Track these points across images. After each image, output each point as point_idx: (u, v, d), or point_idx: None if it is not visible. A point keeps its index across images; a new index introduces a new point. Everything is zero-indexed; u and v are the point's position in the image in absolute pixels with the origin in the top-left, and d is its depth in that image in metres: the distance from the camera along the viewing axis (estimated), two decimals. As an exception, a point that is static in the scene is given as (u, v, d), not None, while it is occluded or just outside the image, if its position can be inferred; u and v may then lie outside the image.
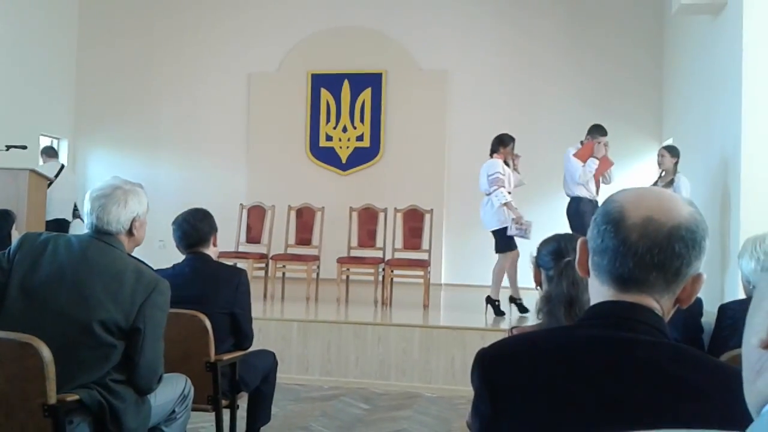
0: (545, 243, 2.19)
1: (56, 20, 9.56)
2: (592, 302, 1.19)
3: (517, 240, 6.08)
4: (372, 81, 9.25)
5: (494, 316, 6.12)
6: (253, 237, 7.51)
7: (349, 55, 9.24)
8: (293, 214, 7.59)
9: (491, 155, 6.25)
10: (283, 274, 7.18)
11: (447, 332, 5.46)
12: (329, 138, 9.33)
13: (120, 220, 2.41)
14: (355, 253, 7.19)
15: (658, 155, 6.38)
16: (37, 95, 9.06)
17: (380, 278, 6.81)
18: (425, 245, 7.13)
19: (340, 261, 6.86)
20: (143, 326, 2.31)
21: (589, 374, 1.08)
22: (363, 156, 9.25)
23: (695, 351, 1.15)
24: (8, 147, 7.04)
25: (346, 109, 9.31)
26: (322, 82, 9.34)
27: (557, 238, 2.16)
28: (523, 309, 6.11)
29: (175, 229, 3.32)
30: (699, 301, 2.99)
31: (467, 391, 1.37)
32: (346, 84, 9.29)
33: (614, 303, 1.14)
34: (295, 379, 5.32)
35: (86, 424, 2.27)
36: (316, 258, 7.10)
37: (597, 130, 6.41)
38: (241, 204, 7.74)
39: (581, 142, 6.52)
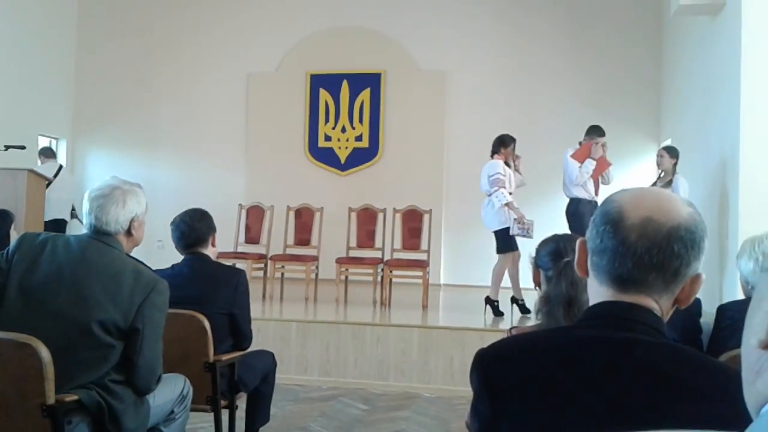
0: (544, 243, 2.19)
1: (55, 20, 9.55)
2: (591, 302, 1.19)
3: (519, 240, 6.08)
4: (371, 81, 9.25)
5: (493, 316, 6.12)
6: (251, 237, 7.51)
7: (348, 55, 9.24)
8: (292, 214, 7.59)
9: (492, 156, 6.25)
10: (282, 274, 7.18)
11: (446, 333, 5.46)
12: (328, 138, 9.33)
13: (119, 221, 2.41)
14: (354, 253, 7.19)
15: (657, 156, 6.39)
16: (35, 95, 9.06)
17: (379, 279, 6.81)
18: (424, 245, 7.13)
19: (339, 261, 6.86)
20: (142, 326, 2.31)
21: (588, 375, 1.08)
22: (362, 156, 9.25)
23: (694, 351, 1.15)
24: (7, 147, 7.03)
25: (345, 109, 9.31)
26: (321, 82, 9.34)
27: (556, 239, 2.16)
28: (524, 309, 6.12)
29: (174, 230, 3.32)
30: (698, 302, 3.00)
31: (466, 391, 1.37)
32: (345, 84, 9.29)
33: (613, 303, 1.15)
34: (294, 379, 5.32)
35: (85, 424, 2.26)
36: (315, 258, 7.10)
37: (595, 131, 6.42)
38: (239, 204, 7.74)
39: (580, 143, 6.53)
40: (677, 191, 5.69)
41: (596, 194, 6.35)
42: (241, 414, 3.45)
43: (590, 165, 6.30)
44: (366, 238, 7.32)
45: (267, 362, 3.58)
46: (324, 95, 9.34)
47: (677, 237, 1.10)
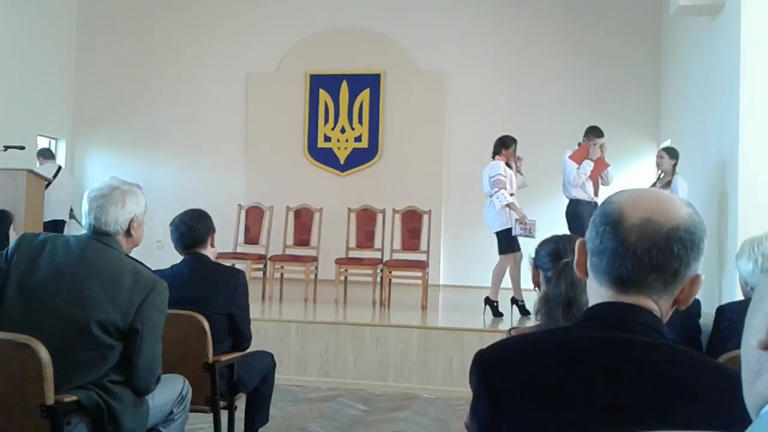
0: (543, 244, 2.19)
1: (54, 20, 9.55)
2: (591, 303, 1.19)
3: (521, 240, 6.08)
4: (370, 82, 9.25)
5: (492, 317, 6.12)
6: (251, 238, 7.51)
7: (347, 55, 9.24)
8: (291, 214, 7.59)
9: (493, 157, 6.26)
10: (282, 275, 7.17)
11: (445, 333, 5.46)
12: (327, 139, 9.33)
13: (118, 221, 2.41)
14: (353, 254, 7.19)
15: (657, 156, 6.40)
16: (35, 95, 9.05)
17: (378, 279, 6.81)
18: (424, 246, 7.13)
19: (339, 262, 6.86)
20: (141, 327, 2.31)
21: (588, 375, 1.08)
22: (361, 157, 9.25)
23: (693, 352, 1.15)
24: (6, 147, 7.03)
25: (345, 109, 9.31)
26: (321, 82, 9.34)
27: (555, 240, 2.16)
28: (524, 311, 6.12)
29: (173, 230, 3.32)
30: (697, 303, 3.00)
31: (465, 392, 1.36)
32: (344, 85, 9.29)
33: (612, 304, 1.14)
34: (294, 380, 5.32)
35: (84, 425, 2.26)
36: (315, 259, 7.10)
37: (592, 132, 6.43)
38: (239, 205, 7.74)
39: (579, 144, 6.54)
40: (676, 192, 5.70)
41: (596, 195, 6.36)
42: (240, 415, 3.45)
43: (588, 166, 6.31)
44: (365, 238, 7.32)
45: (266, 363, 3.58)
46: (323, 95, 9.35)
47: (677, 238, 1.10)
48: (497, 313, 6.13)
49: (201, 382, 2.98)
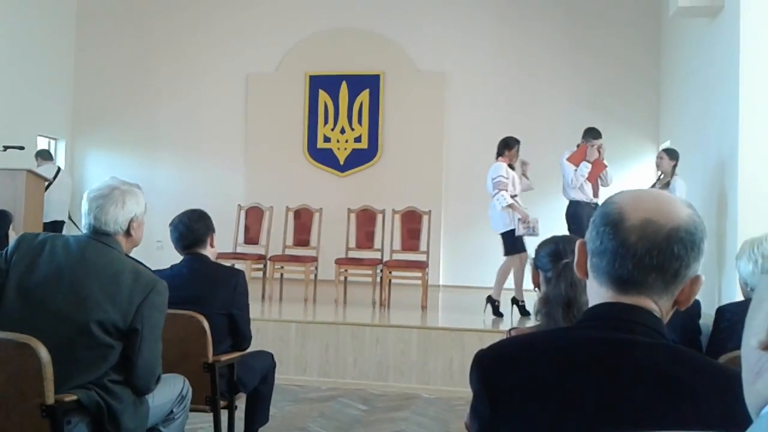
0: (543, 245, 2.19)
1: (54, 21, 9.55)
2: (591, 304, 1.19)
3: (527, 240, 6.08)
4: (370, 82, 9.25)
5: (493, 316, 6.12)
6: (251, 238, 7.51)
7: (347, 56, 9.24)
8: (291, 215, 7.59)
9: (497, 158, 6.27)
10: (281, 275, 7.18)
11: (445, 333, 5.46)
12: (327, 139, 9.33)
13: (118, 221, 2.41)
14: (353, 254, 7.19)
15: (657, 157, 6.42)
16: (34, 96, 9.05)
17: (378, 279, 6.81)
18: (423, 246, 7.13)
19: (338, 262, 6.86)
20: (141, 327, 2.31)
21: (588, 376, 1.08)
22: (361, 157, 9.25)
23: (693, 353, 1.15)
24: (6, 147, 7.04)
25: (344, 110, 9.31)
26: (320, 83, 9.34)
27: (555, 240, 2.17)
28: (524, 311, 6.12)
29: (172, 231, 3.32)
30: (697, 303, 3.00)
31: (465, 392, 1.37)
32: (344, 85, 9.29)
33: (613, 305, 1.15)
34: (293, 380, 5.32)
35: (84, 424, 2.26)
36: (314, 259, 7.10)
37: (590, 134, 6.44)
38: (239, 205, 7.74)
39: (578, 145, 6.55)
40: (674, 192, 5.70)
41: (596, 196, 6.37)
42: (240, 414, 3.45)
43: (585, 168, 6.32)
44: (365, 239, 7.32)
45: (266, 363, 3.58)
46: (323, 96, 9.35)
47: (677, 238, 1.10)
48: (497, 313, 6.14)
49: (201, 381, 2.99)
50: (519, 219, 6.02)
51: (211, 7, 9.62)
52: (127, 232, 2.46)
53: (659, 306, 1.14)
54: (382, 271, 6.77)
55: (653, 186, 6.19)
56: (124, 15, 9.83)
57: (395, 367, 5.40)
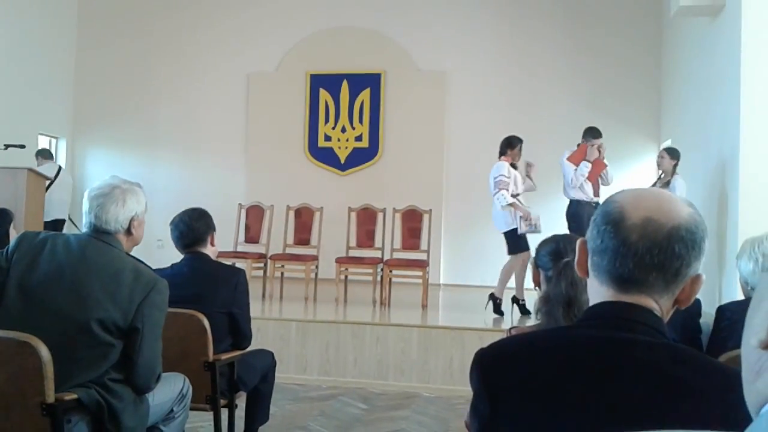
0: (544, 244, 2.19)
1: (55, 20, 9.55)
2: (591, 303, 1.19)
3: (530, 238, 6.07)
4: (371, 81, 9.25)
5: (494, 314, 6.13)
6: (251, 237, 7.51)
7: (347, 55, 9.24)
8: (292, 214, 7.59)
9: (499, 157, 6.27)
10: (282, 273, 7.18)
11: (445, 332, 5.46)
12: (328, 138, 9.33)
13: (118, 220, 2.41)
14: (353, 253, 7.19)
15: (658, 156, 6.42)
16: (35, 94, 9.06)
17: (379, 278, 6.81)
18: (424, 245, 7.13)
19: (339, 261, 6.86)
20: (141, 325, 2.31)
21: (588, 375, 1.08)
22: (362, 156, 9.25)
23: (694, 352, 1.15)
24: (6, 146, 7.04)
25: (345, 109, 9.31)
26: (321, 82, 9.34)
27: (556, 239, 2.17)
28: (524, 310, 6.12)
29: (172, 229, 3.32)
30: (697, 302, 3.00)
31: (465, 391, 1.37)
32: (344, 84, 9.29)
33: (613, 303, 1.14)
34: (294, 378, 5.32)
35: (84, 423, 2.26)
36: (315, 258, 7.10)
37: (590, 133, 6.44)
38: (239, 204, 7.74)
39: (578, 145, 6.55)
40: (674, 191, 5.70)
41: (597, 195, 6.37)
42: (240, 413, 3.45)
43: (585, 168, 6.32)
44: (366, 237, 7.32)
45: (266, 361, 3.58)
46: (324, 95, 9.35)
47: (678, 237, 1.10)
48: (498, 311, 6.14)
49: (201, 380, 2.99)
50: (521, 217, 6.03)
51: (212, 7, 9.62)
52: (128, 231, 2.46)
53: (660, 305, 1.14)
54: (382, 270, 6.77)
55: (654, 185, 6.19)
56: (125, 14, 9.83)
57: (395, 366, 5.40)
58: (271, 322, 5.58)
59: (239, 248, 7.30)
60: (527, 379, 1.11)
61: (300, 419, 4.42)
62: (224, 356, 3.14)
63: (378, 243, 7.26)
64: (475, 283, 8.22)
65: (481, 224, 8.32)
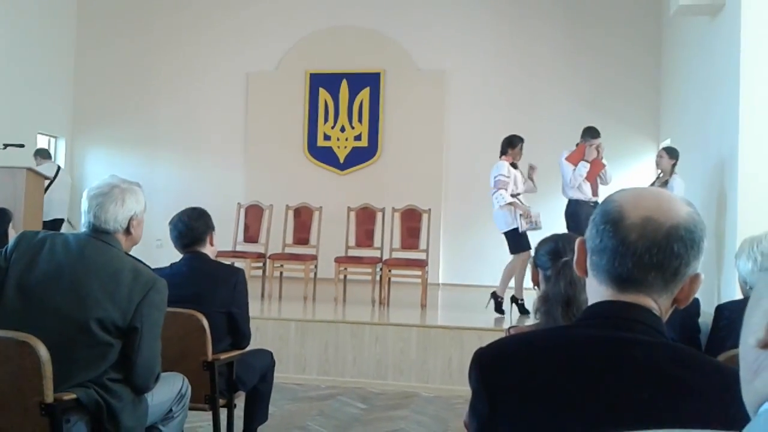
0: (543, 243, 2.19)
1: (55, 19, 9.54)
2: (590, 302, 1.19)
3: (531, 237, 6.07)
4: (370, 81, 9.25)
5: (495, 312, 6.13)
6: (250, 236, 7.51)
7: (347, 54, 9.24)
8: (291, 213, 7.59)
9: (500, 156, 6.27)
10: (281, 273, 7.17)
11: (444, 332, 5.46)
12: (327, 137, 9.33)
13: (117, 219, 2.41)
14: (352, 252, 7.19)
15: (657, 156, 6.43)
16: (35, 94, 9.05)
17: (378, 278, 6.81)
18: (423, 245, 7.13)
19: (338, 260, 6.86)
20: (140, 325, 2.31)
21: (587, 374, 1.08)
22: (361, 156, 9.25)
23: (693, 351, 1.15)
24: (5, 145, 7.04)
25: (345, 108, 9.31)
26: (321, 81, 9.34)
27: (555, 238, 2.16)
28: (523, 310, 6.13)
29: (171, 229, 3.32)
30: (696, 302, 3.00)
31: (464, 390, 1.37)
32: (344, 84, 9.29)
33: (612, 303, 1.14)
34: (293, 378, 5.32)
35: (83, 422, 2.26)
36: (314, 257, 7.10)
37: (588, 133, 6.44)
38: (238, 203, 7.74)
39: (577, 145, 6.55)
40: (672, 191, 5.68)
41: (596, 195, 6.37)
42: (239, 413, 3.45)
43: (584, 168, 6.32)
44: (365, 237, 7.32)
45: (265, 361, 3.58)
46: (323, 94, 9.34)
47: (677, 236, 1.10)
48: (499, 310, 6.14)
49: (200, 380, 2.99)
50: (521, 215, 6.03)
51: (212, 6, 9.62)
52: (127, 231, 2.45)
53: (659, 304, 1.14)
54: (381, 269, 6.77)
55: (652, 184, 6.19)
56: (125, 13, 9.83)
57: (394, 366, 5.40)
58: (270, 322, 5.58)
59: (238, 248, 7.29)
60: (526, 378, 1.11)
61: (299, 419, 4.42)
62: (223, 356, 3.14)
63: (377, 242, 7.26)
64: (474, 283, 8.22)
65: (480, 224, 8.32)
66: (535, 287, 2.20)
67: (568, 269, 1.96)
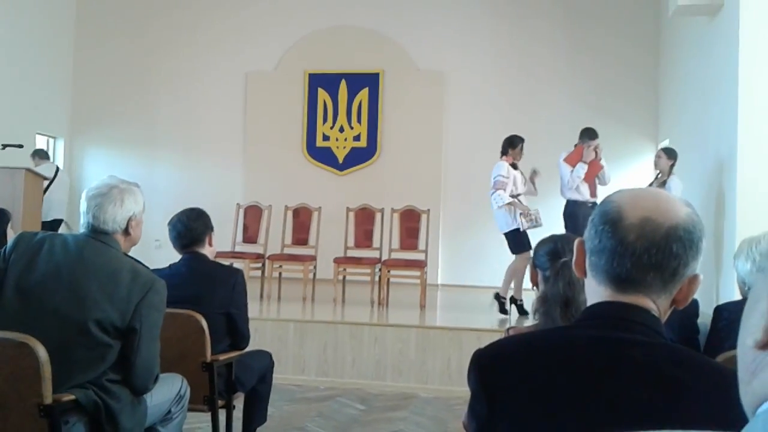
0: (542, 244, 2.19)
1: (53, 19, 9.54)
2: (589, 303, 1.19)
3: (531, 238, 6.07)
4: (369, 81, 9.25)
5: (499, 313, 6.13)
6: (249, 237, 7.50)
7: (346, 54, 9.24)
8: (290, 213, 7.58)
9: (501, 157, 6.27)
10: (280, 274, 7.17)
11: (443, 333, 5.46)
12: (326, 138, 9.33)
13: (116, 220, 2.41)
14: (351, 253, 7.19)
15: (656, 156, 6.43)
16: (33, 94, 9.04)
17: (377, 278, 6.81)
18: (422, 246, 7.13)
19: (337, 261, 6.86)
20: (139, 326, 2.31)
21: (586, 375, 1.08)
22: (360, 156, 9.25)
23: (691, 352, 1.15)
24: (4, 146, 7.03)
25: (343, 108, 9.31)
26: (320, 81, 9.34)
27: (554, 239, 2.16)
28: (522, 311, 6.13)
29: (170, 229, 3.32)
30: (695, 302, 3.00)
31: (463, 391, 1.37)
32: (343, 84, 9.29)
33: (611, 303, 1.14)
34: (292, 379, 5.32)
35: (82, 424, 2.26)
36: (313, 258, 7.10)
37: (586, 134, 6.43)
38: (237, 204, 7.73)
39: (575, 145, 6.55)
40: (670, 191, 5.68)
41: (594, 195, 6.37)
42: (238, 414, 3.45)
43: (581, 169, 6.32)
44: (364, 238, 7.32)
45: (264, 362, 3.58)
46: (322, 94, 9.34)
47: (675, 237, 1.10)
48: (503, 311, 6.14)
49: (199, 381, 2.98)
50: (520, 214, 6.03)
51: (210, 6, 9.62)
52: (126, 231, 2.45)
53: (657, 305, 1.14)
54: (380, 270, 6.76)
55: (650, 185, 6.20)
56: (124, 13, 9.82)
57: (393, 367, 5.40)
58: (269, 323, 5.58)
59: (237, 248, 7.29)
60: (525, 379, 1.11)
61: (298, 420, 4.42)
62: (222, 357, 3.14)
63: (376, 243, 7.26)
64: (473, 284, 8.23)
65: (479, 224, 8.32)
66: (534, 288, 2.20)
67: (567, 270, 1.96)
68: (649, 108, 8.73)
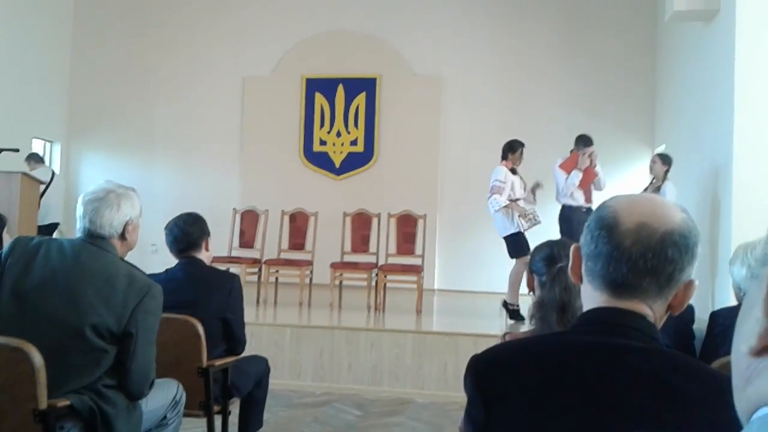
0: (538, 249, 2.20)
1: (50, 23, 9.54)
2: (585, 308, 1.19)
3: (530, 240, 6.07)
4: (366, 85, 9.26)
5: (510, 320, 6.11)
6: (246, 242, 7.49)
7: (343, 59, 9.25)
8: (286, 218, 7.58)
9: (501, 161, 6.28)
10: (276, 279, 7.16)
11: (440, 338, 5.45)
12: (323, 142, 9.33)
13: (113, 224, 2.41)
14: (348, 258, 7.19)
15: (651, 161, 6.44)
16: (30, 98, 9.04)
17: (373, 283, 6.80)
18: (419, 250, 7.13)
19: (334, 266, 6.85)
20: (135, 331, 2.30)
21: (582, 380, 1.08)
22: (357, 161, 9.25)
23: (687, 358, 1.15)
24: (0, 150, 7.01)
25: (341, 113, 9.31)
26: (317, 86, 9.35)
27: (550, 244, 2.17)
28: (518, 316, 6.12)
29: (167, 234, 3.31)
30: (690, 308, 3.00)
31: (460, 397, 1.37)
32: (340, 88, 9.30)
33: (607, 309, 1.15)
34: (288, 384, 5.31)
35: (77, 429, 2.25)
36: (310, 263, 7.09)
37: (581, 141, 6.44)
38: (234, 208, 7.72)
39: (571, 152, 6.56)
40: (664, 197, 5.70)
41: (589, 201, 6.38)
42: (234, 419, 3.44)
43: (576, 177, 6.33)
44: (360, 242, 7.32)
45: (260, 367, 3.57)
46: (319, 99, 9.35)
47: (671, 242, 1.10)
48: (515, 316, 6.12)
49: (195, 386, 2.98)
50: (519, 216, 6.03)
51: (208, 10, 9.62)
52: (122, 236, 2.45)
53: (653, 310, 1.14)
54: (377, 275, 6.76)
55: (645, 190, 6.22)
56: (121, 17, 9.82)
57: (390, 372, 5.39)
58: (265, 328, 5.57)
59: (234, 253, 7.28)
60: (521, 384, 1.11)
61: (294, 426, 4.41)
62: (218, 362, 3.13)
63: (373, 248, 7.26)
64: (470, 289, 8.22)
65: (476, 229, 8.33)
66: (531, 293, 2.20)
67: (563, 275, 1.96)
68: (645, 112, 8.76)
